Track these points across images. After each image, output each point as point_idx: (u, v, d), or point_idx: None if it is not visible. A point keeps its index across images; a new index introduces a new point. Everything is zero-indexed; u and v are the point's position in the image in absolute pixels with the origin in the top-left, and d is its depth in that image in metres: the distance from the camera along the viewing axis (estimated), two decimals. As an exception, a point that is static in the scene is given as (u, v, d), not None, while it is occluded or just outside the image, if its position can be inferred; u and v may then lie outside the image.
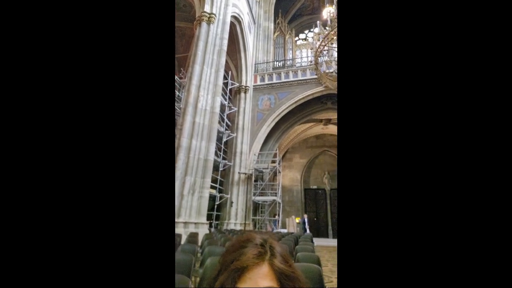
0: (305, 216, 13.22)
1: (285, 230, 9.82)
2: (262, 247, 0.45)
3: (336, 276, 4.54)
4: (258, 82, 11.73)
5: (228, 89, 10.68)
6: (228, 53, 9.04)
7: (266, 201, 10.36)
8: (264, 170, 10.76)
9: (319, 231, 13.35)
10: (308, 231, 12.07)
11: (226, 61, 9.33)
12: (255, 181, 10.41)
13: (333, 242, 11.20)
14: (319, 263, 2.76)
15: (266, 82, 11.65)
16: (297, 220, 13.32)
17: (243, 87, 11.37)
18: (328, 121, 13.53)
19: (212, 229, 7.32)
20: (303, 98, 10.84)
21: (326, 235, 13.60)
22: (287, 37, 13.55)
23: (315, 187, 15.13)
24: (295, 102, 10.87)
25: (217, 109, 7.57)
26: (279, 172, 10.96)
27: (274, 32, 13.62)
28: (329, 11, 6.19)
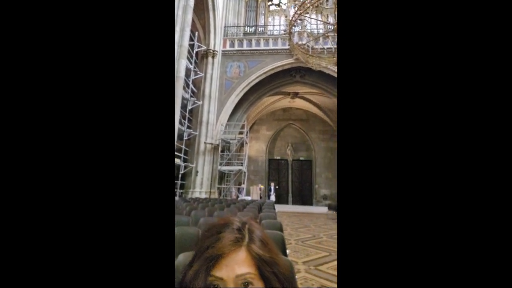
0: (272, 184, 14.00)
1: (249, 198, 10.31)
2: (240, 232, 0.43)
3: (295, 239, 5.06)
4: (228, 47, 11.02)
5: (194, 52, 9.83)
6: (195, 11, 8.12)
7: (232, 171, 10.56)
8: (231, 141, 10.73)
9: (280, 198, 14.35)
10: (273, 198, 12.88)
11: (193, 20, 8.42)
12: (222, 151, 10.39)
13: (292, 208, 12.25)
14: (281, 229, 3.01)
15: (236, 48, 11.01)
16: (261, 187, 14.06)
17: (211, 51, 10.57)
18: (296, 95, 13.74)
19: (177, 198, 7.29)
20: (273, 69, 10.64)
21: (286, 202, 14.73)
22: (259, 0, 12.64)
23: (278, 157, 15.83)
24: (265, 72, 10.63)
25: (182, 73, 7.00)
26: (246, 143, 11.07)
27: (247, -7, 12.56)
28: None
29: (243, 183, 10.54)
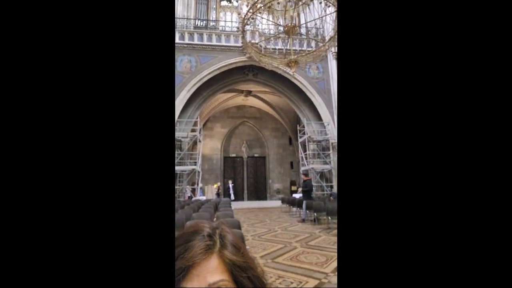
0: (230, 182, 13.92)
1: (204, 197, 10.04)
2: (211, 239, 0.41)
3: (252, 234, 5.16)
4: (177, 40, 10.39)
5: (139, 42, 8.93)
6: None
7: (185, 171, 10.09)
8: (183, 139, 10.22)
9: (236, 195, 14.42)
10: (232, 196, 12.82)
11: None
12: (173, 150, 9.79)
13: (247, 204, 12.46)
14: (239, 227, 3.03)
15: (187, 41, 10.48)
16: (215, 186, 13.85)
17: (159, 43, 9.79)
18: (249, 93, 13.92)
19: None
20: (226, 65, 10.52)
21: (242, 198, 14.90)
22: (211, -7, 12.27)
23: (234, 155, 15.85)
24: (218, 68, 10.44)
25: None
26: (200, 141, 10.70)
27: (196, -16, 12.02)
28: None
29: (197, 184, 10.19)
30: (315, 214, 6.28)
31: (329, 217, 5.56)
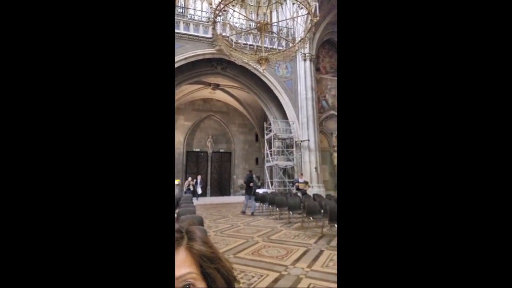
0: (199, 177, 13.45)
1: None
2: (179, 233, 0.41)
3: (214, 230, 5.09)
4: (140, 23, 9.57)
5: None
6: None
7: (144, 164, 9.43)
8: (143, 130, 9.51)
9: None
10: (200, 190, 12.50)
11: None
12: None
13: (210, 200, 12.26)
14: (202, 223, 2.96)
15: (151, 25, 9.71)
16: (177, 182, 13.28)
17: (118, 23, 8.88)
18: (217, 86, 13.60)
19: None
20: (193, 56, 10.08)
21: (205, 195, 14.58)
22: (180, -23, 11.56)
23: (198, 149, 15.38)
24: (185, 58, 9.94)
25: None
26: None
27: (165, -36, 11.17)
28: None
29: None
30: (277, 209, 6.49)
31: (290, 212, 5.80)
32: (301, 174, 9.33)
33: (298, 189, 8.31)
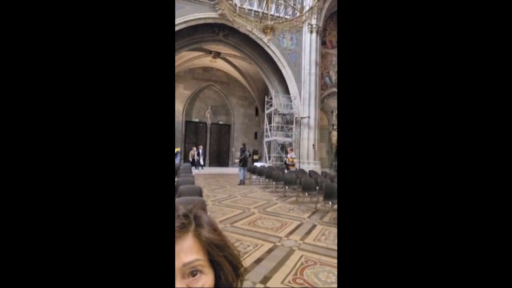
0: (200, 147, 13.47)
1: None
2: (186, 218, 0.40)
3: (212, 200, 5.27)
4: (136, -22, 8.75)
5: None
6: None
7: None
8: (141, 98, 9.29)
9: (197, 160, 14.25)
10: (202, 161, 12.67)
11: None
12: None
13: (208, 170, 12.52)
14: (201, 194, 3.04)
15: (148, -18, 8.91)
16: (177, 150, 13.41)
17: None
18: (218, 55, 13.01)
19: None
20: (194, 20, 9.43)
21: (204, 165, 14.84)
22: None
23: (197, 120, 15.25)
24: (185, 22, 9.31)
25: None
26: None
27: None
28: None
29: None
30: (274, 183, 6.68)
31: (286, 187, 5.98)
32: (291, 149, 9.06)
33: (286, 164, 8.35)
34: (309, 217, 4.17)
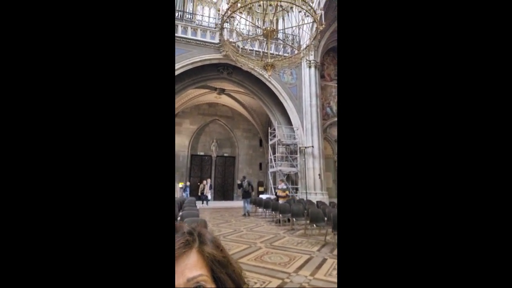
0: (209, 180, 13.19)
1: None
2: (190, 235, 0.41)
3: (216, 234, 5.07)
4: (149, 28, 9.79)
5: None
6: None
7: (148, 167, 9.49)
8: (148, 133, 9.61)
9: (202, 194, 14.04)
10: (210, 196, 12.33)
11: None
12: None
13: (213, 204, 12.24)
14: (205, 227, 2.96)
15: (160, 31, 9.93)
16: (180, 185, 13.31)
17: (128, 28, 9.08)
18: (222, 91, 13.73)
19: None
20: (200, 61, 10.23)
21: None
22: (189, -16, 11.85)
23: (202, 153, 15.45)
24: (192, 63, 10.10)
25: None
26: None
27: (174, -28, 11.50)
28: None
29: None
30: (280, 215, 6.45)
31: (294, 219, 5.75)
32: (281, 180, 8.76)
33: (276, 196, 7.88)
34: (318, 250, 3.93)
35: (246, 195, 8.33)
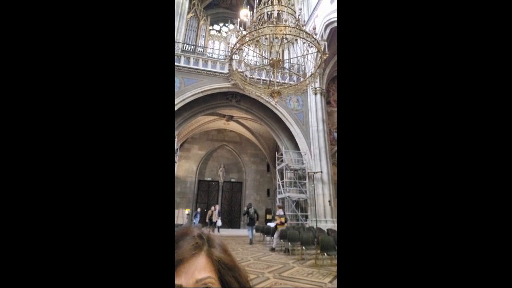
0: (217, 206, 12.79)
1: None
2: (200, 239, 0.43)
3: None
4: (164, 61, 10.55)
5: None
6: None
7: (156, 192, 9.47)
8: (158, 158, 9.78)
9: (210, 221, 13.67)
10: (219, 222, 11.90)
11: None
12: (146, 169, 9.27)
13: (220, 232, 11.83)
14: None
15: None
16: (187, 211, 13.08)
17: (144, 61, 9.80)
18: (231, 118, 14.14)
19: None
20: (210, 89, 10.75)
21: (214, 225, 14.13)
22: (201, 22, 12.96)
23: (209, 179, 15.41)
24: (202, 91, 10.61)
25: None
26: (175, 162, 10.33)
27: (188, 13, 12.68)
28: (246, 14, 6.43)
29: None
30: (289, 244, 6.15)
31: (303, 247, 5.47)
32: (278, 206, 8.26)
33: (276, 225, 7.37)
34: (330, 281, 3.66)
35: (251, 223, 8.48)
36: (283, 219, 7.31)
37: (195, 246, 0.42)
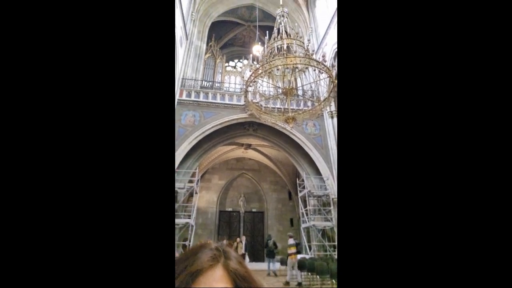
0: (244, 238, 12.32)
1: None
2: (217, 251, 0.46)
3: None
4: (184, 97, 11.38)
5: (150, 98, 9.71)
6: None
7: (178, 224, 9.52)
8: (179, 190, 10.01)
9: (230, 255, 13.12)
10: (247, 258, 11.38)
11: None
12: (168, 201, 9.43)
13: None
14: None
15: (193, 98, 11.46)
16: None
17: (167, 99, 10.65)
18: (249, 146, 14.38)
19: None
20: (228, 121, 11.21)
21: (237, 259, 13.51)
22: (217, 60, 14.08)
23: (230, 209, 15.21)
24: (221, 123, 11.08)
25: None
26: (196, 193, 10.46)
27: (206, 53, 13.91)
28: (258, 50, 6.93)
29: (189, 240, 9.45)
30: (318, 277, 5.66)
31: (333, 280, 5.00)
32: (289, 235, 7.90)
33: (288, 255, 6.85)
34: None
35: (270, 255, 8.50)
36: (293, 249, 6.83)
37: (213, 257, 0.44)
